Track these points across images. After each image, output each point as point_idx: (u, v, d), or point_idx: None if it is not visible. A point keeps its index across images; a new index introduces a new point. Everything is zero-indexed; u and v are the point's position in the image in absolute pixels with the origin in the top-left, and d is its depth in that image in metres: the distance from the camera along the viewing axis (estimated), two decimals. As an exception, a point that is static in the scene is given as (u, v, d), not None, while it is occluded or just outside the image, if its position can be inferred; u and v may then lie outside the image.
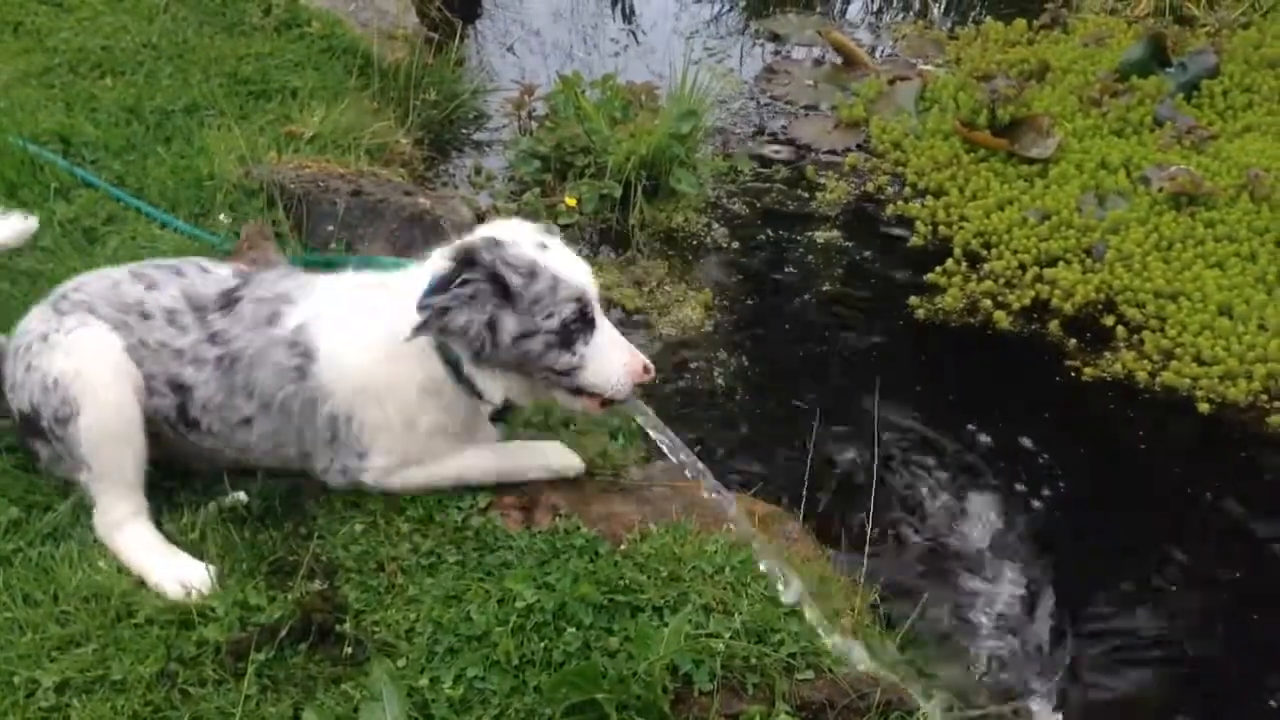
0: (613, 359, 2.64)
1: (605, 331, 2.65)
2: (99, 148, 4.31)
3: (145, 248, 3.72)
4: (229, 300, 2.74)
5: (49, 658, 2.44)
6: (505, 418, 2.90)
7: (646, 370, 2.67)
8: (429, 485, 2.85)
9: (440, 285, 2.56)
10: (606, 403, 2.71)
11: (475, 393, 2.70)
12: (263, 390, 2.70)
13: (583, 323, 2.61)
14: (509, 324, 2.57)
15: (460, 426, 2.79)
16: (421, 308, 2.54)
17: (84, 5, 5.35)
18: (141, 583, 2.63)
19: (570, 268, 2.62)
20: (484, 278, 2.55)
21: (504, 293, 2.55)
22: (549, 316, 2.57)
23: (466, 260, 2.57)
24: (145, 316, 2.72)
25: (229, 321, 2.71)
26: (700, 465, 2.86)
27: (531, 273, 2.57)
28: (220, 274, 2.82)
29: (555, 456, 2.93)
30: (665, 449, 2.83)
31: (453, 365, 2.67)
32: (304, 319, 2.69)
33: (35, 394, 2.66)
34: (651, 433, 2.83)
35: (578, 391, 2.69)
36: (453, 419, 2.76)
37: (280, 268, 2.91)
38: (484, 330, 2.55)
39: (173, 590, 2.58)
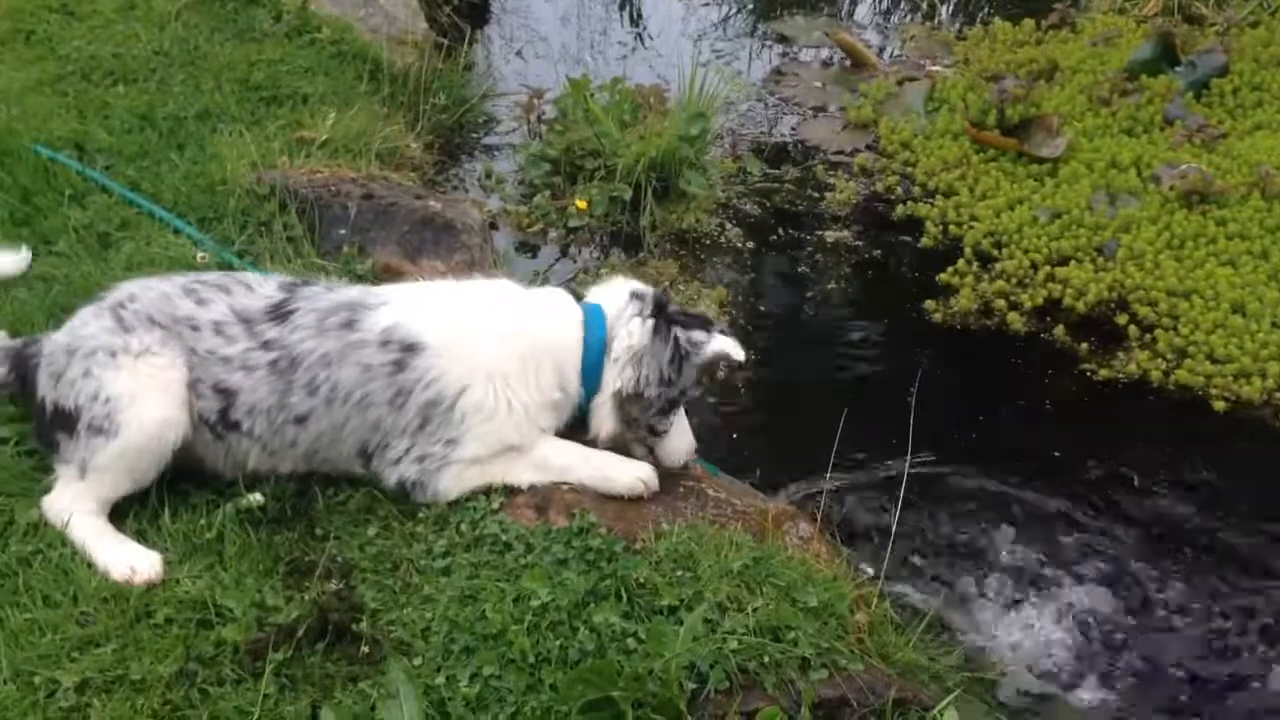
0: (685, 437, 3.09)
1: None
2: (113, 154, 4.33)
3: (160, 253, 3.75)
4: (281, 312, 2.87)
5: (69, 658, 2.46)
6: None
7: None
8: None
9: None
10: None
11: (578, 419, 2.99)
12: (336, 387, 2.80)
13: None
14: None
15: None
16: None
17: (95, 13, 5.37)
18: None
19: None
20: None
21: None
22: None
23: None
24: (195, 329, 2.86)
25: (284, 330, 2.84)
26: None
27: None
28: (265, 290, 2.95)
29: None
30: None
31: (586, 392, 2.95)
32: (395, 320, 2.86)
33: (83, 398, 2.76)
34: None
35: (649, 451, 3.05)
36: (547, 430, 2.97)
37: (322, 283, 3.07)
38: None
39: (120, 573, 2.63)
